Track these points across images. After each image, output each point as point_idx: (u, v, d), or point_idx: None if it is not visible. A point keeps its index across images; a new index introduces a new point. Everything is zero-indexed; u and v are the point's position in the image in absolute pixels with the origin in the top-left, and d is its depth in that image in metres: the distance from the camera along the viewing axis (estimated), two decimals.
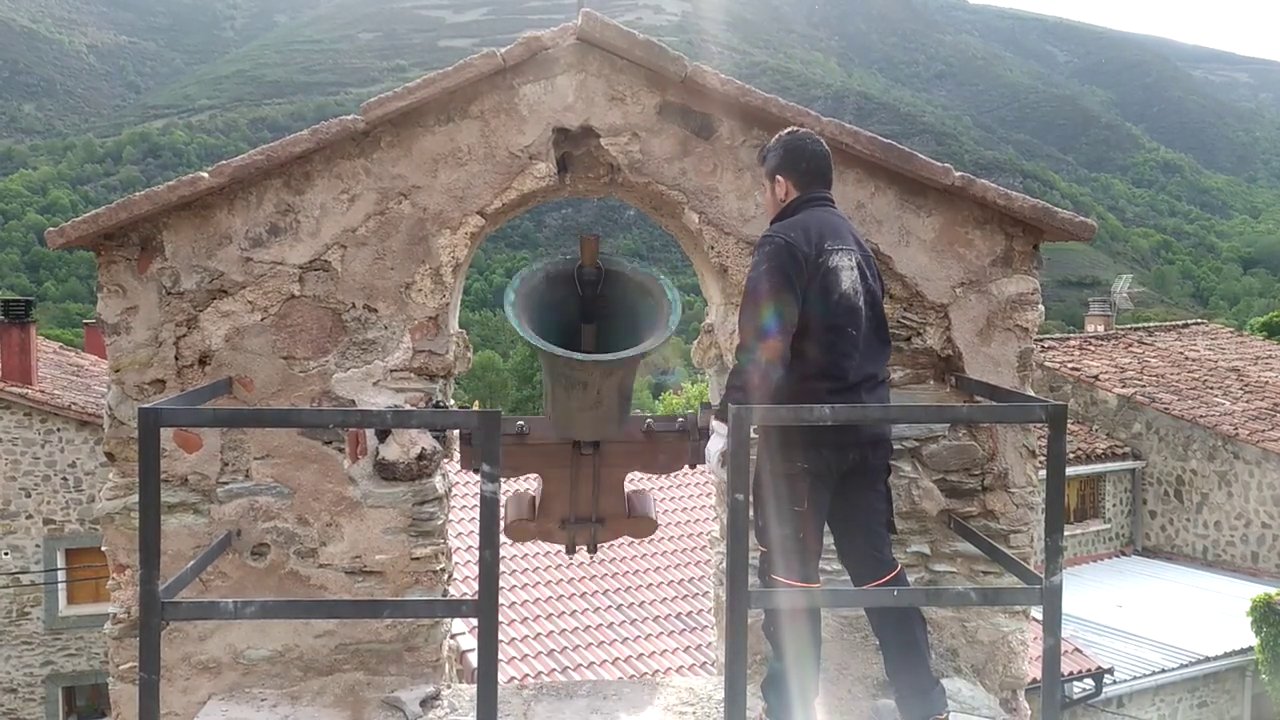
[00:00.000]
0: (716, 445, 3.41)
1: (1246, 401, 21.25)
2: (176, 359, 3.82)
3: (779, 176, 3.51)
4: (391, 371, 3.87)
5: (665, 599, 12.10)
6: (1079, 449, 20.32)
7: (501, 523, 3.54)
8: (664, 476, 14.82)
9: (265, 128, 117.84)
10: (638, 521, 4.17)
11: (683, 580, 12.56)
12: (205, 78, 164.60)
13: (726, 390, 3.33)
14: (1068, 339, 25.11)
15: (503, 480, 3.08)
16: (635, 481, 4.24)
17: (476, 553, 2.98)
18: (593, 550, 4.30)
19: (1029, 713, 4.20)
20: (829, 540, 3.61)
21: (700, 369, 4.42)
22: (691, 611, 11.90)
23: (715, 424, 3.45)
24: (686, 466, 4.06)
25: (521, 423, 3.94)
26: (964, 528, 3.96)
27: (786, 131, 3.58)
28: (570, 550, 4.29)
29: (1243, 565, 19.70)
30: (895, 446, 3.98)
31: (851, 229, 3.53)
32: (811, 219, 3.40)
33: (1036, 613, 3.29)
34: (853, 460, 3.38)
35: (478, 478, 2.99)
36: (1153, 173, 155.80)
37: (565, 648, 10.82)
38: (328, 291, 3.86)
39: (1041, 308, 4.17)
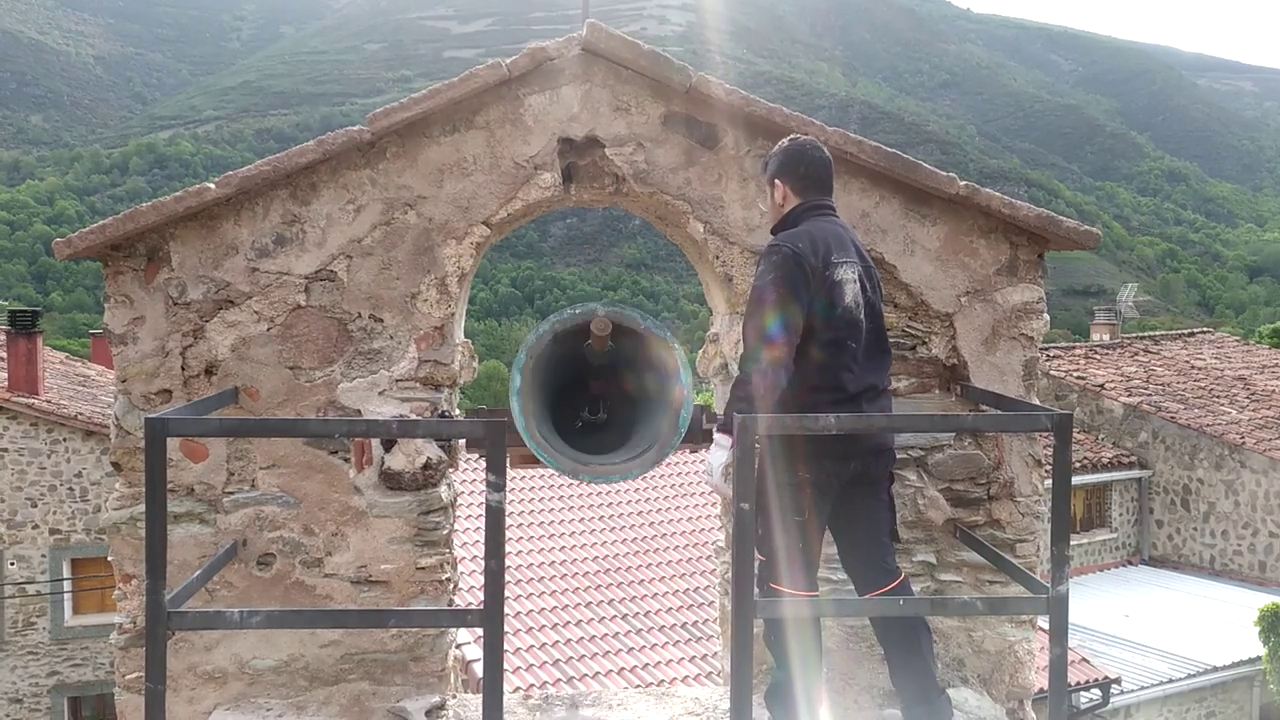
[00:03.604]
0: (719, 458, 3.39)
1: (1253, 410, 21.21)
2: (183, 369, 3.83)
3: (777, 181, 3.52)
4: (397, 381, 3.88)
5: (670, 609, 12.09)
6: (1085, 458, 20.29)
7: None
8: (668, 487, 14.82)
9: (271, 138, 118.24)
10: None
11: (688, 590, 12.55)
12: (211, 89, 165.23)
13: (731, 399, 3.31)
14: (1073, 348, 25.09)
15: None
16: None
17: (482, 562, 2.98)
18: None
19: None
20: (832, 549, 3.61)
21: (705, 378, 4.42)
22: (697, 621, 11.89)
23: (718, 436, 3.44)
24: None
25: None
26: (970, 537, 3.95)
27: (789, 138, 3.58)
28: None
29: (1250, 574, 19.63)
30: (901, 456, 3.98)
31: (854, 239, 3.53)
32: (817, 229, 3.39)
33: (1043, 622, 3.29)
34: (854, 470, 3.37)
35: (482, 487, 2.99)
36: (1158, 181, 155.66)
37: (571, 658, 10.82)
38: (333, 301, 3.87)
39: (1046, 316, 4.17)
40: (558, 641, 11.06)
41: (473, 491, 11.20)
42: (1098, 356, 23.70)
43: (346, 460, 3.87)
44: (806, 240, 3.34)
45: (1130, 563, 20.99)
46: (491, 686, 2.95)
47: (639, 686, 9.99)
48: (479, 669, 8.80)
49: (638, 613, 11.85)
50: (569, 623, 11.47)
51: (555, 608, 11.72)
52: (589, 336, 3.58)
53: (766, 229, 3.68)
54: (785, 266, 3.27)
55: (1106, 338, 26.20)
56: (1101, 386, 21.81)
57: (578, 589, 12.15)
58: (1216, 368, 23.54)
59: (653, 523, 13.85)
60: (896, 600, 3.36)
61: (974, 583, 4.06)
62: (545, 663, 10.60)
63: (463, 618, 3.64)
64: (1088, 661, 14.42)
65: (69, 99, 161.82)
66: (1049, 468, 3.30)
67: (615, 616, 11.68)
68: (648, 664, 10.87)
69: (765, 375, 3.20)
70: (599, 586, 12.25)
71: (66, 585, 19.16)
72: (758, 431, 3.01)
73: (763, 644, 3.67)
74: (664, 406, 3.62)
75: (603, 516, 13.85)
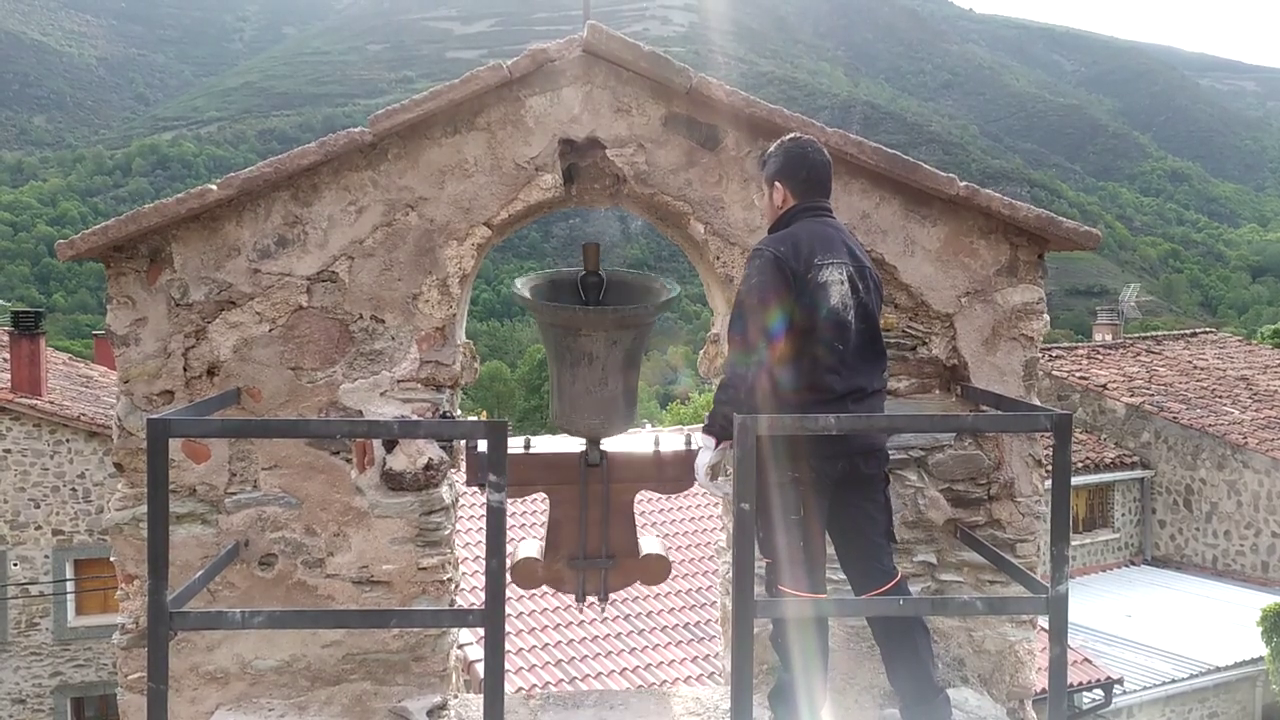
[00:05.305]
0: (704, 459, 3.43)
1: (1255, 410, 21.19)
2: (185, 370, 3.84)
3: (778, 183, 3.52)
4: (399, 382, 3.88)
5: (672, 609, 12.08)
6: (1087, 458, 20.28)
7: (509, 572, 3.54)
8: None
9: (273, 139, 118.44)
10: (650, 561, 4.02)
11: (689, 590, 12.55)
12: (214, 89, 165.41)
13: (715, 403, 3.35)
14: (1076, 348, 25.07)
15: (510, 499, 3.08)
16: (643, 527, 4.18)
17: (484, 562, 2.99)
18: (604, 598, 4.03)
19: None
20: (831, 550, 3.61)
21: (707, 379, 4.43)
22: (698, 621, 11.89)
23: (702, 438, 3.45)
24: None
25: (527, 438, 3.96)
26: (970, 537, 3.96)
27: (789, 138, 3.58)
28: (581, 597, 4.03)
29: (1252, 575, 19.62)
30: (901, 456, 3.99)
31: (846, 239, 3.50)
32: (804, 230, 3.40)
33: (1043, 622, 3.29)
34: (842, 470, 3.37)
35: (485, 487, 3.00)
36: (1160, 181, 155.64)
37: (572, 658, 10.82)
38: (335, 302, 3.88)
39: (1046, 317, 4.17)
40: (559, 641, 11.06)
41: (474, 491, 11.19)
42: (1100, 357, 23.68)
43: (348, 461, 3.88)
44: (789, 243, 3.35)
45: (1133, 563, 20.98)
46: (493, 686, 2.95)
47: (640, 686, 10.00)
48: (481, 669, 8.81)
49: (639, 613, 11.84)
50: (570, 623, 11.47)
51: (557, 608, 11.71)
52: (581, 288, 3.84)
53: (766, 230, 3.69)
54: (766, 270, 3.30)
55: (1109, 338, 26.20)
56: (1104, 387, 21.79)
57: None
58: (1219, 368, 23.51)
59: (654, 523, 13.85)
60: (896, 600, 3.36)
61: (974, 583, 4.07)
62: (547, 663, 10.59)
63: (464, 618, 3.65)
64: (1090, 662, 14.41)
65: (72, 100, 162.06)
66: (1050, 468, 3.31)
67: (617, 617, 11.68)
68: (649, 664, 10.87)
69: (745, 379, 3.25)
70: None
71: (69, 586, 19.18)
72: (759, 431, 3.02)
73: (764, 644, 3.68)
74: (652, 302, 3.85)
75: None
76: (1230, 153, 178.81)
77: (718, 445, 3.38)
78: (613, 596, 4.12)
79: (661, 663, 10.94)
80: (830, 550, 3.57)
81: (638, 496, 4.06)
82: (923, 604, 3.65)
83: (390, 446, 3.87)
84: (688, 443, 3.99)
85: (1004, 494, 4.07)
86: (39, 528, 19.09)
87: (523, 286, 3.92)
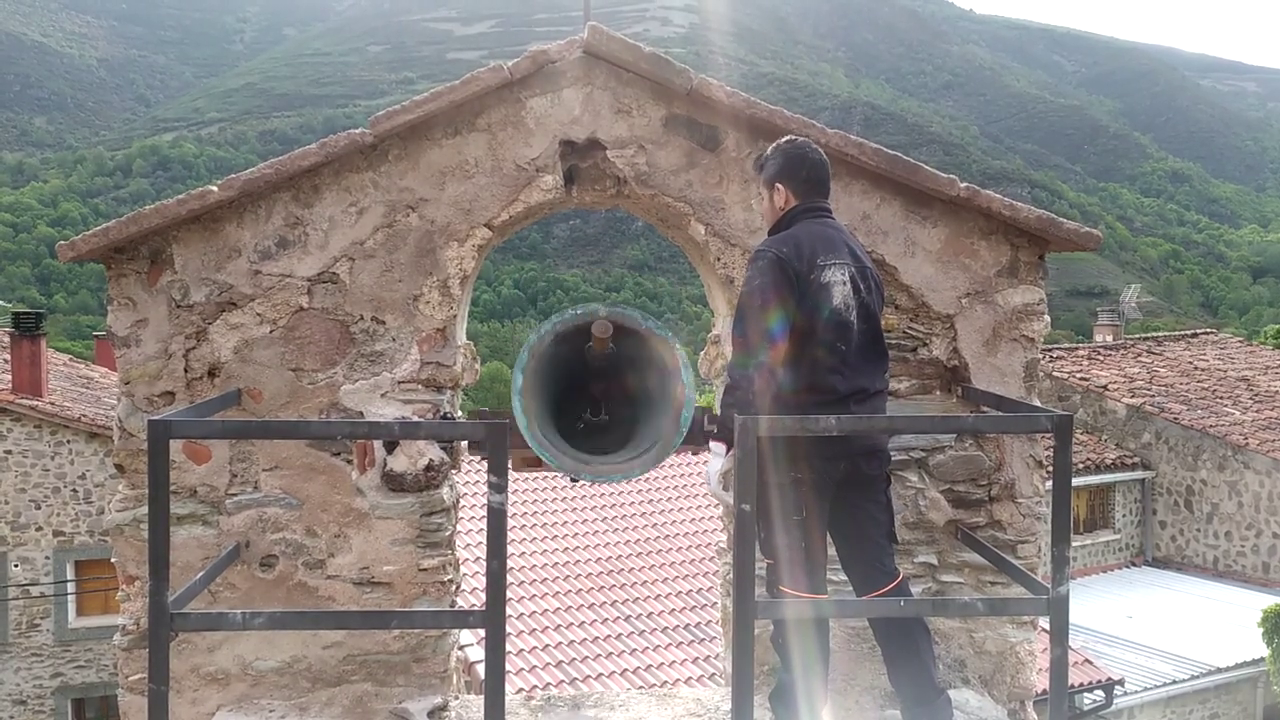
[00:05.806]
0: (716, 466, 3.41)
1: (1256, 411, 21.18)
2: (186, 371, 3.85)
3: (778, 185, 3.52)
4: (399, 383, 3.89)
5: (673, 610, 12.08)
6: (1088, 459, 20.27)
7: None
8: (670, 489, 14.83)
9: (274, 140, 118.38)
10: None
11: (691, 591, 12.55)
12: (214, 90, 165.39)
13: (721, 407, 3.34)
14: (1076, 349, 25.06)
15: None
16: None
17: (485, 563, 2.99)
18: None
19: None
20: (833, 551, 3.61)
21: (707, 380, 4.43)
22: (699, 623, 11.89)
23: (713, 445, 3.44)
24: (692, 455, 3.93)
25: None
26: (971, 538, 3.96)
27: (785, 140, 3.58)
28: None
29: (1254, 575, 19.61)
30: (902, 457, 3.99)
31: (847, 240, 3.51)
32: (805, 232, 3.40)
33: (1044, 623, 3.29)
34: (844, 471, 3.37)
35: (484, 489, 3.00)
36: (1161, 182, 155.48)
37: (573, 659, 10.82)
38: (336, 304, 3.88)
39: (1047, 318, 4.17)
40: (560, 643, 11.06)
41: (475, 493, 11.21)
42: (1101, 357, 23.68)
43: (349, 462, 3.89)
44: (791, 244, 3.35)
45: (1133, 564, 20.98)
46: (493, 687, 2.95)
47: (641, 687, 10.00)
48: (482, 670, 8.82)
49: (640, 614, 11.84)
50: (572, 624, 11.47)
51: (558, 609, 11.72)
52: (590, 338, 3.56)
53: (766, 232, 3.69)
54: (769, 272, 3.30)
55: (1110, 339, 26.20)
56: (1105, 388, 21.79)
57: (580, 590, 12.16)
58: (1220, 369, 23.51)
59: (655, 524, 13.85)
60: (897, 601, 3.36)
61: (975, 584, 4.07)
62: (548, 664, 10.59)
63: (465, 619, 3.65)
64: (1091, 663, 14.40)
65: (72, 101, 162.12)
66: (1050, 469, 3.30)
67: (618, 618, 11.69)
68: (650, 665, 10.87)
69: (751, 380, 3.23)
70: (602, 588, 12.26)
71: (70, 587, 19.18)
72: (759, 432, 3.01)
73: (765, 645, 3.69)
74: (665, 406, 3.61)
75: (605, 518, 13.85)
76: (1231, 154, 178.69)
77: (728, 451, 3.36)
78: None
79: (662, 663, 10.93)
80: (831, 551, 3.57)
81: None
82: (924, 605, 3.65)
83: (391, 448, 3.88)
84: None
85: (1005, 495, 4.07)
86: (40, 529, 19.10)
87: (524, 372, 3.52)
